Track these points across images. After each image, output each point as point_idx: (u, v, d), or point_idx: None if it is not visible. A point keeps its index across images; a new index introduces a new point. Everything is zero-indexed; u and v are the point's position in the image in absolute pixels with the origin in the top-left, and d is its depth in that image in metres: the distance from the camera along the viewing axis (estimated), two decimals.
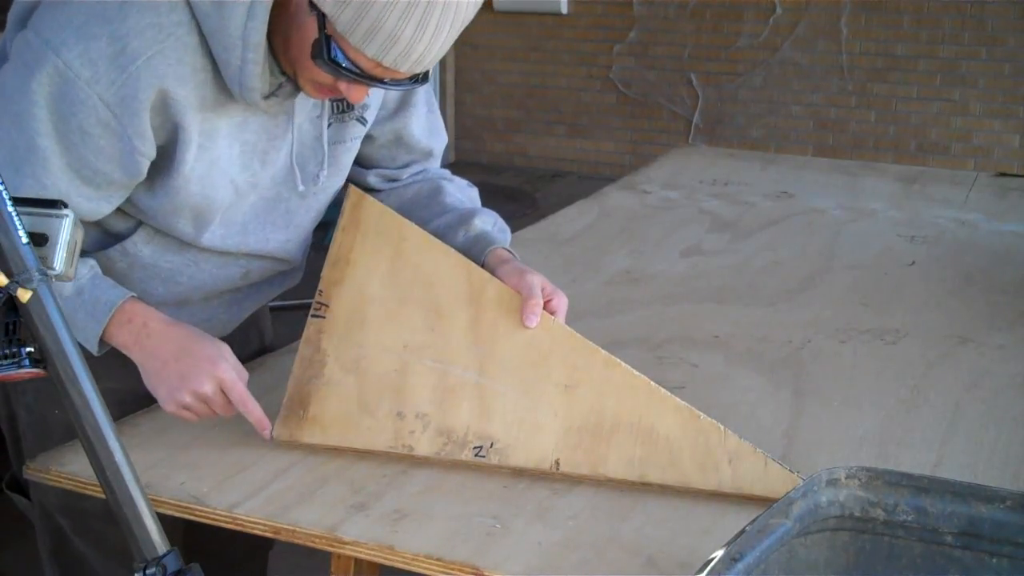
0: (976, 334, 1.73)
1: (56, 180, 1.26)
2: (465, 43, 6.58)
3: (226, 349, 1.33)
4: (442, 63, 6.58)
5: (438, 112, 1.63)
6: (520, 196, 5.96)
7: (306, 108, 1.40)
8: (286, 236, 1.50)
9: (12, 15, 1.34)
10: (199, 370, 1.29)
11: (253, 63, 1.23)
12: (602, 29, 6.25)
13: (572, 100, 6.44)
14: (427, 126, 1.60)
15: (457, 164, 6.74)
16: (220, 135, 1.32)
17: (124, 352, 1.35)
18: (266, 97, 1.29)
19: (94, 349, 1.34)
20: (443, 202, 1.58)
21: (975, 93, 5.55)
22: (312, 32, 1.20)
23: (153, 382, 1.32)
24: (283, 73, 1.30)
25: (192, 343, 1.32)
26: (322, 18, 1.18)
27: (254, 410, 1.32)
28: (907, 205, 2.51)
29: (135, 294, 1.36)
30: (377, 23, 1.15)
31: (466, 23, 1.21)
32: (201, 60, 1.25)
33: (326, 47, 1.19)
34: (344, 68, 1.20)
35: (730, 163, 2.94)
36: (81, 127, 1.24)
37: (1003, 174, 2.86)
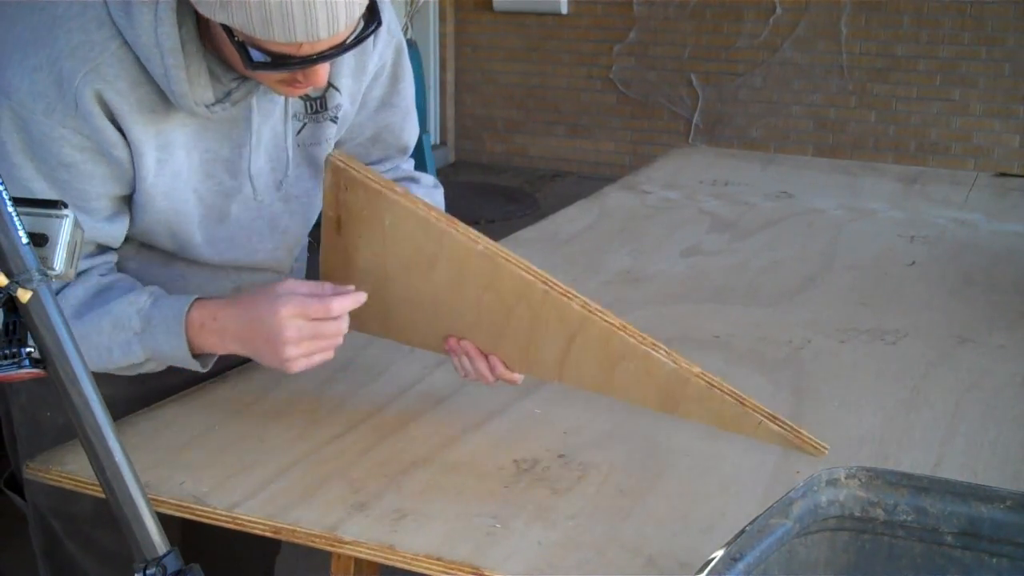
0: (976, 334, 1.73)
1: None
2: (465, 43, 6.59)
3: (282, 284, 1.26)
4: (442, 63, 6.58)
5: (414, 105, 1.60)
6: (520, 196, 5.96)
7: (272, 112, 1.37)
8: (273, 244, 1.47)
9: None
10: (270, 325, 1.24)
11: (175, 68, 1.20)
12: (602, 29, 6.25)
13: (572, 100, 6.44)
14: (406, 124, 1.58)
15: (457, 164, 6.74)
16: (176, 146, 1.30)
17: (222, 353, 1.32)
18: (211, 105, 1.26)
19: (198, 366, 1.31)
20: None
21: (975, 93, 5.56)
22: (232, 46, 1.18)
23: (262, 362, 1.29)
24: (236, 79, 1.27)
25: (250, 306, 1.27)
26: (227, 29, 1.15)
27: (341, 304, 1.26)
28: (907, 205, 2.51)
29: (197, 296, 1.31)
30: (264, 10, 1.11)
31: None
32: (141, 73, 1.23)
33: (245, 55, 1.16)
34: (276, 64, 1.17)
35: (730, 163, 2.94)
36: (61, 161, 1.23)
37: (1003, 174, 2.86)
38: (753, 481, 1.28)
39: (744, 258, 2.12)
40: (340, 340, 1.28)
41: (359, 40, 1.20)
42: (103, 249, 1.35)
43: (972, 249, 2.19)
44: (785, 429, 1.33)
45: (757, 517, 0.94)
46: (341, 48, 1.18)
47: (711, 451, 1.35)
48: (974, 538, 0.97)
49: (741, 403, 1.32)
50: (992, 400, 1.50)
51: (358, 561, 1.25)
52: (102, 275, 1.33)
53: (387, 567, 1.18)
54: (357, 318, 1.37)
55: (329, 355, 1.29)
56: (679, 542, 1.15)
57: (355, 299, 1.28)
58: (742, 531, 0.92)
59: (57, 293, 1.26)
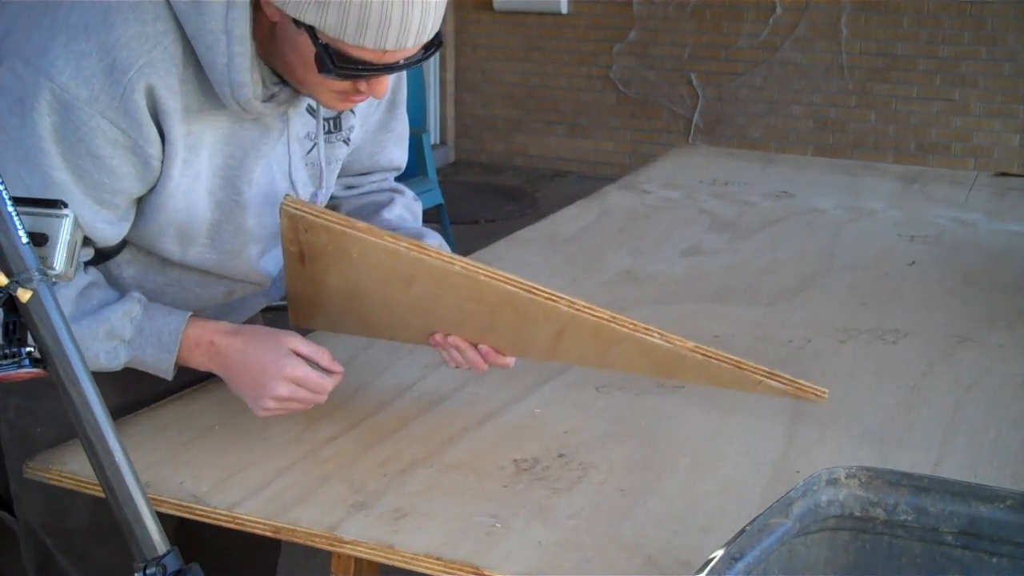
0: (976, 334, 1.73)
1: (80, 211, 1.22)
2: (465, 43, 6.58)
3: (289, 340, 1.31)
4: (442, 63, 6.58)
5: (407, 130, 1.62)
6: (520, 196, 5.96)
7: (296, 126, 1.36)
8: (278, 261, 1.44)
9: None
10: (268, 376, 1.29)
11: (240, 56, 1.19)
12: (602, 29, 6.25)
13: (572, 100, 6.44)
14: (399, 147, 1.59)
15: (457, 164, 6.74)
16: (203, 146, 1.28)
17: (200, 370, 1.35)
18: (264, 102, 1.25)
19: (169, 376, 1.34)
20: (384, 218, 1.55)
21: (975, 93, 5.56)
22: (308, 48, 1.17)
23: (239, 393, 1.33)
24: (277, 83, 1.27)
25: (254, 349, 1.31)
26: (311, 31, 1.15)
27: (333, 384, 1.33)
28: (907, 205, 2.51)
29: (191, 312, 1.33)
30: (364, 14, 1.12)
31: None
32: (185, 70, 1.22)
33: (328, 58, 1.16)
34: (354, 70, 1.17)
35: (730, 163, 2.94)
36: (91, 152, 1.21)
37: (1003, 174, 2.86)
38: (753, 481, 1.28)
39: (744, 258, 2.12)
40: (307, 408, 1.34)
41: (427, 55, 1.22)
42: (86, 242, 1.30)
43: (972, 249, 2.19)
44: (785, 384, 1.32)
45: (757, 517, 0.94)
46: (416, 59, 1.20)
47: (711, 451, 1.35)
48: (974, 538, 0.97)
49: (739, 367, 1.31)
50: (992, 400, 1.50)
51: (358, 561, 1.25)
52: (84, 272, 1.32)
53: (387, 567, 1.18)
54: (335, 323, 1.37)
55: (290, 411, 1.34)
56: (679, 542, 1.15)
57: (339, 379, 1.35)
58: (742, 531, 0.92)
59: None
